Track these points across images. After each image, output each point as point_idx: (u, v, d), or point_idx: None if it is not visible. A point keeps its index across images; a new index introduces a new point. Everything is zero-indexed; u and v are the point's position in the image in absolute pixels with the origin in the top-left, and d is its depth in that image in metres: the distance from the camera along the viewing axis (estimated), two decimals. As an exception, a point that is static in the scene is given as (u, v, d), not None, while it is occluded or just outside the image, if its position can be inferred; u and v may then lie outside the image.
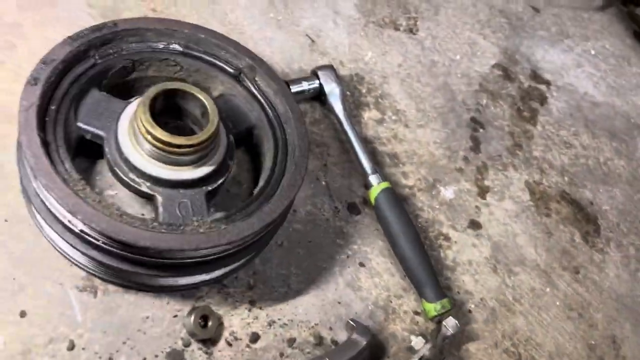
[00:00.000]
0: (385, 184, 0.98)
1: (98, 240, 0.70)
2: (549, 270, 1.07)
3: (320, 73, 1.07)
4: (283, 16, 1.19)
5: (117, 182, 0.80)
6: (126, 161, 0.78)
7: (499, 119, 1.25)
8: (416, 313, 0.93)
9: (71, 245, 0.73)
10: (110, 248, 0.71)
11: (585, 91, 1.41)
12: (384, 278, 0.94)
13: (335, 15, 1.25)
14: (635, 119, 1.43)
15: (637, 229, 1.22)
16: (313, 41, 1.19)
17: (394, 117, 1.15)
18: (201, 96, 0.82)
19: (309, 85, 1.06)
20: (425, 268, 0.93)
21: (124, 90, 0.88)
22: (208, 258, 0.76)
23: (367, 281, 0.93)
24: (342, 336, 0.86)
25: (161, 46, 0.89)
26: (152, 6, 1.09)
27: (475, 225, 1.07)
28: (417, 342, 0.84)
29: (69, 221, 0.70)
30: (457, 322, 0.89)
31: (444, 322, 0.89)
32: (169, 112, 0.84)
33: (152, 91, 0.79)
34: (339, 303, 0.89)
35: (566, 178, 1.22)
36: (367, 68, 1.20)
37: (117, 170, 0.78)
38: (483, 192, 1.12)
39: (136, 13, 1.06)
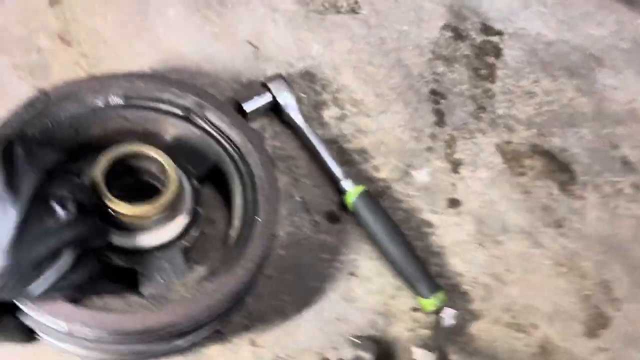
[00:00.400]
0: (359, 188, 0.96)
1: (88, 337, 0.68)
2: (533, 230, 1.08)
3: (270, 85, 1.03)
4: (220, 27, 1.14)
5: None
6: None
7: (458, 85, 1.22)
8: (415, 309, 0.94)
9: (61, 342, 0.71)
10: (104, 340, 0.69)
11: (537, 32, 1.37)
12: (375, 282, 0.94)
13: (273, 12, 1.19)
14: (589, 50, 1.40)
15: (609, 164, 1.23)
16: (256, 48, 1.13)
17: (354, 110, 1.12)
18: (153, 153, 0.79)
19: (263, 100, 1.02)
20: (414, 265, 0.93)
21: (72, 155, 0.84)
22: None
23: (361, 289, 0.93)
24: (348, 353, 0.87)
25: (100, 104, 0.84)
26: (80, 50, 1.03)
27: (454, 203, 1.07)
28: (419, 353, 0.85)
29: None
30: (455, 310, 0.90)
31: (441, 315, 0.90)
32: (124, 173, 0.81)
33: (102, 163, 0.75)
34: (338, 320, 0.89)
35: (534, 130, 1.21)
36: (316, 63, 1.16)
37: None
38: (456, 166, 1.11)
39: (65, 62, 1.00)
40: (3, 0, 1.03)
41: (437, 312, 0.91)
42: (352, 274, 0.94)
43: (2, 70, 0.95)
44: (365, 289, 0.93)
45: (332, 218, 0.98)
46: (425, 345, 0.84)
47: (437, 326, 0.90)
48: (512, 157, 1.16)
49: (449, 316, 0.90)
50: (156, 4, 1.11)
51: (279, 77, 1.04)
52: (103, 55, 1.03)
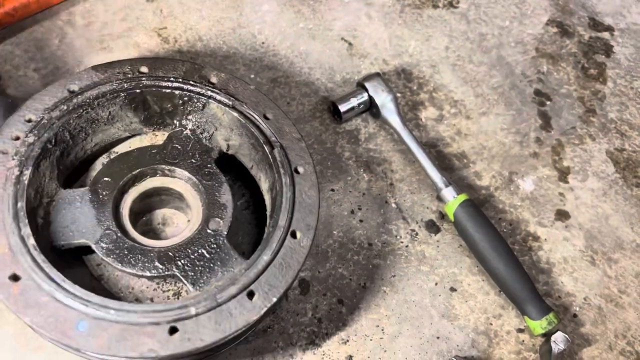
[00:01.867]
0: (461, 197, 0.88)
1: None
2: (651, 248, 0.96)
3: (367, 85, 0.96)
4: (314, 23, 1.08)
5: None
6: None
7: (564, 85, 1.11)
8: (520, 331, 0.85)
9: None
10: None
11: (652, 27, 1.24)
12: (478, 299, 0.86)
13: (368, 7, 1.12)
14: None
15: None
16: (350, 44, 1.07)
17: (452, 111, 1.03)
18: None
19: (358, 100, 0.95)
20: (522, 283, 0.84)
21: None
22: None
23: (462, 307, 0.85)
24: (448, 375, 0.80)
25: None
26: (178, 46, 0.99)
27: (562, 215, 0.96)
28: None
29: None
30: (566, 335, 0.81)
31: (552, 339, 0.81)
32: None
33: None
34: (438, 338, 0.82)
35: (650, 136, 1.09)
36: (413, 60, 1.08)
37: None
38: (564, 174, 1.01)
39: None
40: (103, -4, 1.01)
41: (546, 335, 0.82)
42: (452, 289, 0.86)
43: (102, 67, 0.93)
44: (467, 306, 0.85)
45: (431, 227, 0.91)
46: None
47: (547, 352, 0.81)
48: (625, 166, 1.04)
49: (559, 341, 0.81)
50: (250, 0, 1.07)
51: (376, 75, 0.97)
52: (199, 52, 0.99)
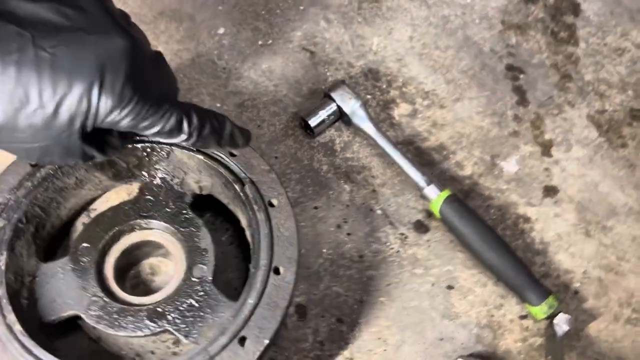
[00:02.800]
0: (444, 193, 0.87)
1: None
2: (645, 209, 0.95)
3: (333, 94, 0.94)
4: (272, 38, 1.06)
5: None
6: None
7: (535, 54, 1.08)
8: (522, 317, 0.84)
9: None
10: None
11: (618, -24, 1.20)
12: (477, 293, 0.85)
13: (324, 11, 1.09)
14: (683, -15, 1.21)
15: None
16: (312, 53, 1.05)
17: (425, 103, 1.02)
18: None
19: (327, 112, 0.94)
20: (517, 270, 0.83)
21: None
22: None
23: (462, 303, 0.85)
24: (457, 376, 0.80)
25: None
26: (139, 88, 0.98)
27: (551, 191, 0.95)
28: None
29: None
30: (568, 315, 0.80)
31: (555, 322, 0.80)
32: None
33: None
34: (442, 340, 0.82)
35: (630, 92, 1.06)
36: (378, 58, 1.05)
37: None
38: (547, 148, 0.99)
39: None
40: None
41: (549, 318, 0.82)
42: (450, 287, 0.85)
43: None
44: (467, 302, 0.84)
45: (420, 228, 0.90)
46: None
47: (552, 335, 0.80)
48: (608, 128, 1.01)
49: (563, 322, 0.80)
50: (206, 25, 1.05)
51: (341, 83, 0.95)
52: (161, 90, 0.98)
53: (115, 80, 0.51)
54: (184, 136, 0.60)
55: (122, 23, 0.56)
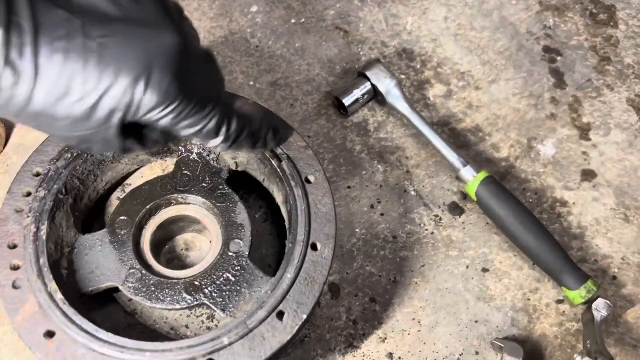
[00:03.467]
0: (482, 174, 0.85)
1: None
2: (686, 195, 0.92)
3: (368, 73, 0.93)
4: (305, 17, 1.05)
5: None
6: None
7: (574, 36, 1.06)
8: (559, 302, 0.83)
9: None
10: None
11: (660, -43, 1.16)
12: (512, 276, 0.84)
13: (357, -11, 1.08)
14: None
15: None
16: (346, 32, 1.04)
17: (460, 84, 1.00)
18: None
19: (361, 91, 0.93)
20: (555, 254, 0.81)
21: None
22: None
23: (497, 286, 0.83)
24: (491, 356, 0.79)
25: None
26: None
27: (589, 175, 0.93)
28: (583, 363, 0.75)
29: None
30: (607, 301, 0.79)
31: (593, 306, 0.78)
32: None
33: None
34: (476, 322, 0.81)
35: (671, 75, 1.03)
36: (412, 38, 1.04)
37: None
38: (585, 132, 0.97)
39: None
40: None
41: (587, 303, 0.80)
42: (485, 269, 0.84)
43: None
44: (502, 285, 0.83)
45: (455, 210, 0.89)
46: (589, 353, 0.74)
47: (589, 320, 0.79)
48: (649, 112, 0.99)
49: (601, 308, 0.78)
50: (238, 4, 1.04)
51: (376, 62, 0.94)
52: (194, 67, 0.98)
53: (162, 78, 0.49)
54: (220, 139, 0.57)
55: (175, 17, 0.53)
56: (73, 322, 0.62)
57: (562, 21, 1.07)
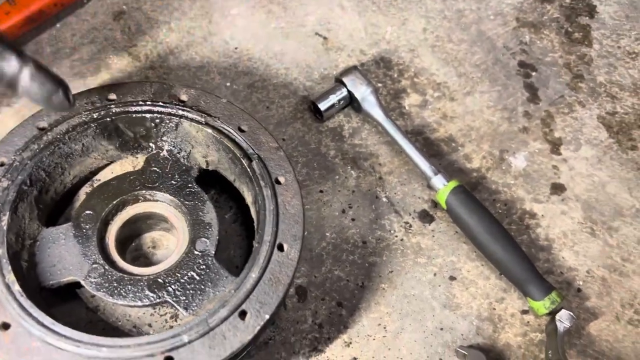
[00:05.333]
0: (452, 184, 0.86)
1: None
2: (651, 212, 0.94)
3: (345, 80, 0.94)
4: (286, 21, 1.05)
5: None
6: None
7: (549, 53, 1.08)
8: (524, 312, 0.84)
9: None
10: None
11: (634, -20, 1.20)
12: (479, 285, 0.85)
13: (339, -3, 1.10)
14: (700, -7, 1.21)
15: None
16: (325, 38, 1.04)
17: (436, 94, 1.01)
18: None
19: (337, 97, 0.93)
20: (521, 265, 0.82)
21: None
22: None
23: (463, 295, 0.84)
24: (455, 366, 0.79)
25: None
26: (149, 63, 0.98)
27: (558, 188, 0.94)
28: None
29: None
30: (570, 312, 0.79)
31: (557, 317, 0.79)
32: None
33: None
34: (441, 329, 0.81)
35: (642, 95, 1.06)
36: (391, 47, 1.05)
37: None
38: (556, 146, 0.99)
39: (136, 78, 0.96)
40: (69, 21, 1.00)
41: (551, 314, 0.81)
42: (452, 278, 0.85)
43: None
44: (469, 293, 0.84)
45: (425, 217, 0.89)
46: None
47: (553, 331, 0.79)
48: (618, 130, 1.01)
49: (564, 319, 0.79)
50: (219, 6, 1.04)
51: (353, 69, 0.95)
52: (172, 66, 0.98)
53: None
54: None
55: None
56: (29, 314, 0.61)
57: (538, 38, 1.09)
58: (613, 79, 1.06)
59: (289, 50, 1.02)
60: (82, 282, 0.69)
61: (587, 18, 1.13)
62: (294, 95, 0.97)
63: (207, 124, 0.75)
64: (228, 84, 0.97)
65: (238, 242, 0.82)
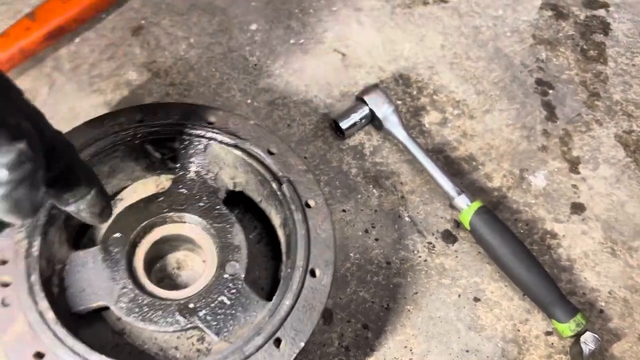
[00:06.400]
0: (476, 204, 0.86)
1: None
2: (670, 231, 0.95)
3: (367, 98, 0.93)
4: (305, 38, 1.05)
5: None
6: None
7: (565, 71, 1.09)
8: (548, 334, 0.84)
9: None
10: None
11: (647, -2, 1.21)
12: (503, 306, 0.85)
13: (357, 13, 1.09)
14: None
15: None
16: (344, 55, 1.04)
17: (455, 112, 1.01)
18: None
19: (359, 115, 0.93)
20: (546, 286, 0.82)
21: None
22: None
23: (488, 316, 0.84)
24: (481, 389, 0.79)
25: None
26: (170, 79, 0.97)
27: (578, 208, 0.95)
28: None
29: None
30: (595, 335, 0.80)
31: (582, 340, 0.80)
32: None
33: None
34: (467, 352, 0.81)
35: (657, 114, 1.07)
36: (409, 64, 1.05)
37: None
38: (574, 165, 0.99)
39: (155, 95, 0.95)
40: (87, 36, 0.99)
41: (575, 336, 0.81)
42: (476, 299, 0.85)
43: (98, 111, 0.90)
44: (493, 315, 0.84)
45: (448, 238, 0.89)
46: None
47: (578, 353, 0.80)
48: (635, 149, 1.02)
49: (589, 341, 0.80)
50: (238, 21, 1.04)
51: (374, 87, 0.95)
52: (192, 82, 0.97)
53: None
54: None
55: None
56: (64, 343, 0.60)
57: (555, 55, 1.10)
58: (629, 97, 1.07)
59: (308, 66, 1.02)
60: (112, 308, 0.68)
61: (601, 35, 1.14)
62: (315, 113, 0.97)
63: (236, 146, 0.75)
64: (249, 101, 0.97)
65: (263, 264, 0.81)
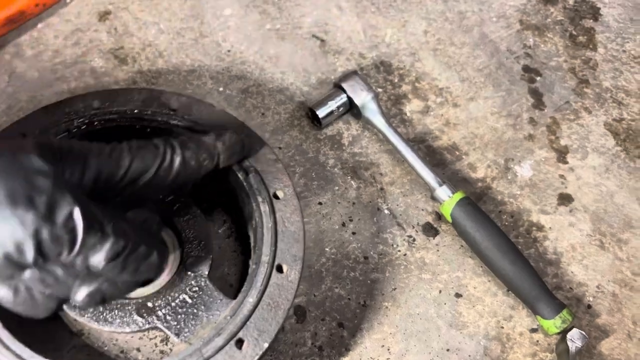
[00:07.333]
0: (457, 195, 0.82)
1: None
2: (661, 223, 0.90)
3: (345, 85, 0.89)
4: (281, 23, 1.00)
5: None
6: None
7: (553, 57, 1.04)
8: (533, 331, 0.80)
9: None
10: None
11: (638, -18, 1.16)
12: (486, 302, 0.81)
13: (336, -2, 1.04)
14: None
15: None
16: (323, 41, 0.99)
17: (438, 100, 0.97)
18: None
19: (336, 103, 0.88)
20: (531, 281, 0.78)
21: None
22: None
23: (470, 313, 0.80)
24: (462, 390, 0.75)
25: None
26: (137, 67, 0.92)
27: (565, 199, 0.90)
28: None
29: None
30: (582, 331, 0.76)
31: (568, 337, 0.76)
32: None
33: None
34: (448, 350, 0.77)
35: (648, 101, 1.02)
36: (391, 50, 1.00)
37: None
38: (562, 154, 0.95)
39: (122, 83, 0.90)
40: (51, 22, 0.93)
41: (561, 333, 0.77)
42: (458, 295, 0.80)
43: (60, 98, 0.85)
44: (475, 311, 0.80)
45: (429, 231, 0.85)
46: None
47: (564, 351, 0.75)
48: (626, 137, 0.97)
49: (576, 338, 0.75)
50: (211, 5, 0.99)
51: (353, 74, 0.90)
52: (161, 69, 0.92)
53: None
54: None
55: None
56: (7, 347, 0.55)
57: (542, 41, 1.05)
58: (619, 84, 1.02)
59: (284, 53, 0.97)
60: (65, 307, 0.63)
61: (591, 21, 1.09)
62: (291, 101, 0.92)
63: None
64: (221, 89, 0.92)
65: (232, 259, 0.76)
